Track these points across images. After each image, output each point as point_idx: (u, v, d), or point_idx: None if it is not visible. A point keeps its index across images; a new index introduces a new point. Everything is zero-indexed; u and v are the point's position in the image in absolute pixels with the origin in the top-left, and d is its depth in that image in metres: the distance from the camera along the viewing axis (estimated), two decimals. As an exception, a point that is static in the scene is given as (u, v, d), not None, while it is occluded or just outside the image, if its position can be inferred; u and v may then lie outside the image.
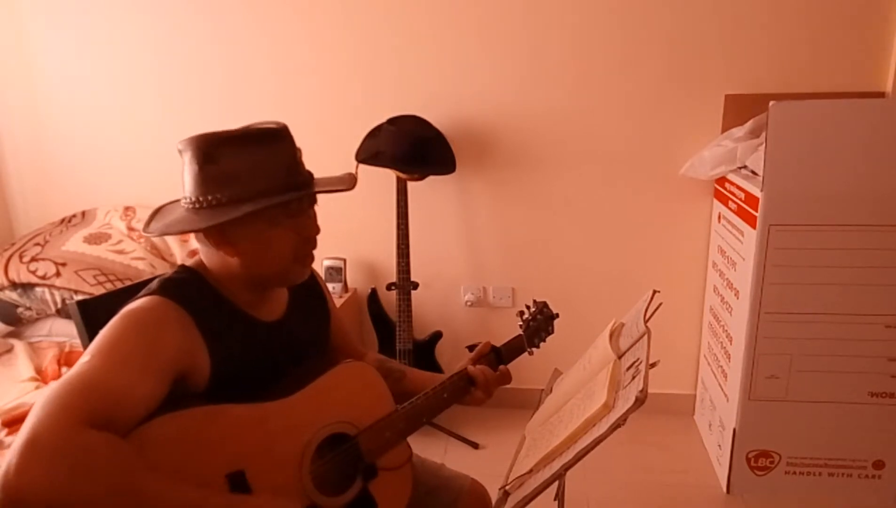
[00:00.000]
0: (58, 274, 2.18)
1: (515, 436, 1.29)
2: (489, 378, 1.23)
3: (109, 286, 2.16)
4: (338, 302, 2.39)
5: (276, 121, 1.05)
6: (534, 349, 1.35)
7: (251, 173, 0.98)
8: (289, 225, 1.02)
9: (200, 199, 0.98)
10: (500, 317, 2.54)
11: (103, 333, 0.92)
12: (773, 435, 2.02)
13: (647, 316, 1.20)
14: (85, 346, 1.16)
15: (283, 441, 1.01)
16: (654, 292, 1.24)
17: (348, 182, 1.09)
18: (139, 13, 2.39)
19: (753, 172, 1.98)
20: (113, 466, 0.78)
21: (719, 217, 2.23)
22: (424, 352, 2.45)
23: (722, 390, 2.16)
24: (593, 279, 2.45)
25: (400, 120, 2.26)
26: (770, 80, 2.18)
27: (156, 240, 2.39)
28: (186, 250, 2.42)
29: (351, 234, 2.47)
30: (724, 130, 2.20)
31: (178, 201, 1.08)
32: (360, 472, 1.09)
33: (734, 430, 2.03)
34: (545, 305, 1.38)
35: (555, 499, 1.14)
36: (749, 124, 2.08)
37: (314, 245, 1.09)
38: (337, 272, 2.46)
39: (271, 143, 1.01)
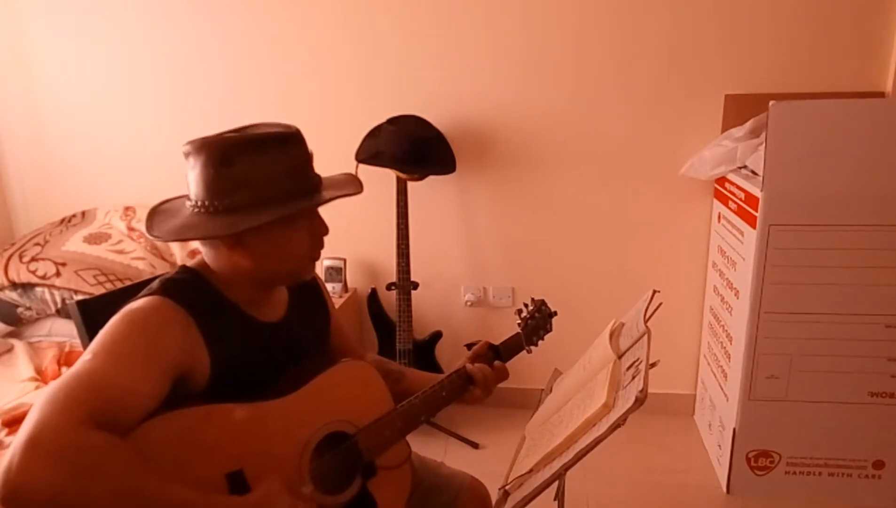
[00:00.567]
0: (58, 274, 2.18)
1: (515, 436, 1.29)
2: (488, 376, 1.24)
3: (109, 286, 2.17)
4: (338, 302, 2.39)
5: (287, 124, 1.05)
6: (532, 348, 1.35)
7: (267, 178, 0.98)
8: (302, 226, 1.04)
9: (215, 202, 0.98)
10: (500, 317, 2.54)
11: (104, 332, 0.92)
12: (773, 435, 2.01)
13: (647, 316, 1.20)
14: (85, 346, 1.16)
15: (282, 440, 1.01)
16: (654, 292, 1.24)
17: (356, 186, 1.11)
18: (139, 13, 2.39)
19: (753, 172, 1.98)
20: (113, 466, 0.79)
21: (719, 217, 2.23)
22: (424, 352, 2.45)
23: (722, 390, 2.16)
24: (593, 279, 2.45)
25: (400, 120, 2.26)
26: (770, 80, 2.18)
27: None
28: (186, 250, 2.42)
29: (351, 234, 2.47)
30: (724, 130, 2.20)
31: (175, 200, 1.08)
32: (360, 471, 1.09)
33: (734, 430, 2.03)
34: (543, 303, 1.38)
35: (555, 499, 1.14)
36: (749, 124, 2.08)
37: (323, 244, 1.11)
38: (337, 272, 2.46)
39: (286, 147, 1.01)
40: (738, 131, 2.10)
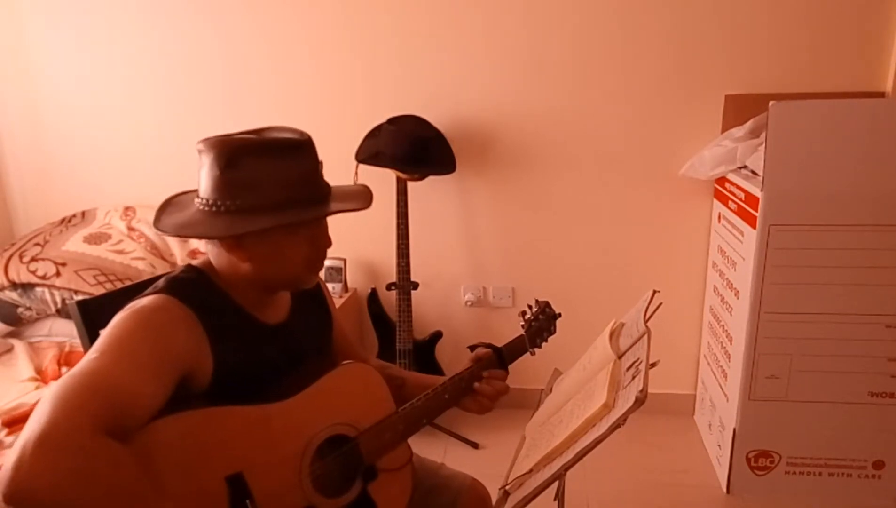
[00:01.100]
0: (58, 274, 2.18)
1: (515, 436, 1.29)
2: (500, 391, 1.23)
3: (109, 286, 2.16)
4: (338, 302, 2.39)
5: (300, 130, 1.05)
6: (535, 350, 1.34)
7: (272, 183, 0.98)
8: (304, 235, 1.03)
9: (219, 202, 0.98)
10: (500, 317, 2.54)
11: (110, 329, 0.92)
12: (773, 435, 2.02)
13: (647, 316, 1.20)
14: (85, 346, 1.16)
15: (283, 443, 1.01)
16: (654, 292, 1.24)
17: (365, 200, 1.09)
18: (139, 13, 2.39)
19: (753, 172, 1.98)
20: (115, 476, 0.79)
21: (719, 217, 2.23)
22: (424, 352, 2.45)
23: (722, 390, 2.16)
24: (593, 279, 2.45)
25: (400, 120, 2.26)
26: (770, 80, 2.18)
27: (155, 239, 2.39)
28: (186, 249, 2.42)
29: (351, 234, 2.47)
30: (724, 130, 2.20)
31: (189, 193, 1.08)
32: (360, 474, 1.09)
33: (734, 430, 2.03)
34: (547, 304, 1.37)
35: (555, 499, 1.14)
36: (749, 124, 2.08)
37: (325, 255, 1.10)
38: (337, 272, 2.46)
39: (294, 154, 1.01)
40: (738, 131, 2.10)
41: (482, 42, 2.27)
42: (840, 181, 1.79)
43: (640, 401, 0.93)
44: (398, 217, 2.29)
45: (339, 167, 2.08)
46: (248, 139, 1.00)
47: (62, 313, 2.22)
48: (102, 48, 2.44)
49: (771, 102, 1.76)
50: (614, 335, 1.27)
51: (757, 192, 1.84)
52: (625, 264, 2.42)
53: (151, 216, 2.66)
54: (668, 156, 2.29)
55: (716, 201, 2.28)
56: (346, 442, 1.09)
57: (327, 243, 1.09)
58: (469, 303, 2.54)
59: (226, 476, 0.93)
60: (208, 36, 2.38)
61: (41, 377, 2.01)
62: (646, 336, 1.13)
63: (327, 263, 2.45)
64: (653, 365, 1.07)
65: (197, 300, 0.99)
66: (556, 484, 1.02)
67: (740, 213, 1.99)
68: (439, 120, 2.32)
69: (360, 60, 2.34)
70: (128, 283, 2.08)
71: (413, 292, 2.40)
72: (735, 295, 2.03)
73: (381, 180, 2.29)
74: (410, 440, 1.18)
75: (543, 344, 1.36)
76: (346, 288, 2.49)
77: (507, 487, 1.07)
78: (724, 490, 2.10)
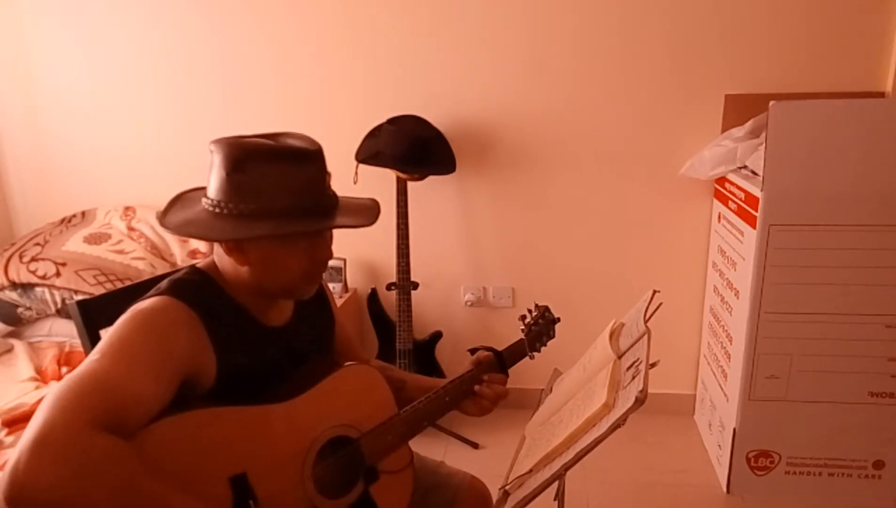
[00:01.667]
0: (58, 274, 2.18)
1: (515, 436, 1.29)
2: (500, 395, 1.24)
3: (109, 286, 2.16)
4: (338, 302, 2.38)
5: (311, 139, 1.05)
6: (535, 354, 1.35)
7: (276, 191, 0.98)
8: (304, 246, 1.02)
9: (223, 204, 0.98)
10: (500, 317, 2.54)
11: (113, 331, 0.92)
12: (773, 435, 2.02)
13: (647, 316, 1.20)
14: (85, 346, 1.16)
15: (285, 444, 1.01)
16: (654, 292, 1.24)
17: (370, 216, 1.08)
18: (139, 13, 2.39)
19: (753, 172, 1.98)
20: (117, 472, 0.79)
21: (719, 217, 2.23)
22: (424, 352, 2.45)
23: (722, 390, 2.16)
24: (593, 279, 2.45)
25: (400, 120, 2.26)
26: (770, 80, 2.18)
27: (155, 239, 2.39)
28: (186, 249, 2.42)
29: (351, 234, 2.47)
30: (724, 130, 2.20)
31: (201, 189, 1.08)
32: (362, 475, 1.09)
33: (734, 430, 2.03)
34: (547, 309, 1.38)
35: (555, 499, 1.14)
36: (749, 124, 2.08)
37: (325, 268, 1.09)
38: (337, 272, 2.46)
39: (302, 163, 1.00)
40: (738, 131, 2.10)
41: (482, 42, 2.27)
42: (840, 181, 1.79)
43: (640, 401, 0.93)
44: (398, 217, 2.29)
45: (339, 167, 2.08)
46: (257, 143, 0.99)
47: (62, 313, 2.22)
48: (102, 48, 2.44)
49: (771, 102, 1.76)
50: (614, 335, 1.27)
51: (757, 192, 1.84)
52: (625, 264, 2.42)
53: (152, 216, 2.67)
54: (668, 156, 2.29)
55: (716, 201, 2.28)
56: (349, 444, 1.09)
57: (328, 255, 1.08)
58: (469, 303, 2.54)
59: (229, 476, 0.93)
60: (208, 36, 2.38)
61: (41, 377, 2.01)
62: (646, 336, 1.13)
63: (327, 263, 2.45)
64: (653, 365, 1.07)
65: (200, 302, 0.99)
66: (556, 484, 1.02)
67: (740, 213, 1.99)
68: (439, 120, 2.32)
69: (360, 60, 2.34)
70: (128, 283, 2.08)
71: (413, 292, 2.40)
72: (735, 295, 2.03)
73: (381, 180, 2.29)
74: (411, 441, 1.18)
75: (543, 348, 1.37)
76: (346, 288, 2.49)
77: (507, 487, 1.07)
78: (724, 490, 2.10)
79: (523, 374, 2.03)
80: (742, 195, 1.98)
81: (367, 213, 1.09)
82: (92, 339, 1.15)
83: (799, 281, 1.87)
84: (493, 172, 2.39)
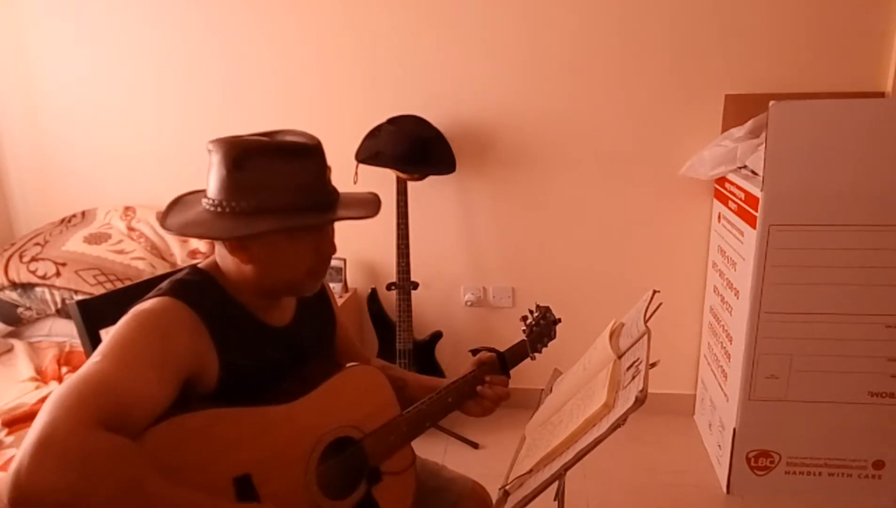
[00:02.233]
0: (58, 274, 2.18)
1: (515, 436, 1.29)
2: (502, 396, 1.24)
3: (109, 286, 2.16)
4: (338, 302, 2.38)
5: (310, 134, 1.04)
6: (536, 355, 1.35)
7: (278, 187, 0.98)
8: (307, 241, 1.03)
9: (224, 203, 0.98)
10: (500, 317, 2.54)
11: (114, 333, 0.92)
12: (773, 435, 2.02)
13: (647, 316, 1.20)
14: (85, 346, 1.16)
15: (289, 445, 1.00)
16: (654, 292, 1.24)
17: (372, 208, 1.09)
18: (139, 13, 2.39)
19: (753, 172, 1.98)
20: (122, 470, 0.78)
21: (719, 217, 2.23)
22: (424, 352, 2.45)
23: (722, 390, 2.16)
24: (593, 279, 2.45)
25: (400, 120, 2.26)
26: (770, 80, 2.18)
27: (155, 239, 2.39)
28: (186, 249, 2.42)
29: (351, 234, 2.47)
30: (724, 130, 2.20)
31: (198, 193, 1.07)
32: (365, 476, 1.09)
33: (734, 430, 2.03)
34: (548, 310, 1.38)
35: (555, 499, 1.14)
36: (749, 124, 2.08)
37: (329, 263, 1.10)
38: (337, 272, 2.46)
39: (303, 158, 1.00)
40: (738, 131, 2.10)
41: (482, 42, 2.27)
42: (840, 181, 1.79)
43: (640, 401, 0.93)
44: (398, 217, 2.29)
45: (339, 167, 2.08)
46: (256, 141, 0.99)
47: (62, 313, 2.22)
48: (102, 48, 2.44)
49: (771, 102, 1.76)
50: (614, 335, 1.27)
51: (757, 192, 1.84)
52: (625, 264, 2.42)
53: (151, 216, 2.67)
54: (668, 156, 2.29)
55: (716, 201, 2.28)
56: (352, 444, 1.09)
57: (331, 250, 1.08)
58: (469, 303, 2.54)
59: (233, 477, 0.93)
60: (208, 36, 2.38)
61: (41, 377, 2.01)
62: (646, 336, 1.13)
63: (327, 263, 2.45)
64: (653, 365, 1.07)
65: (201, 303, 0.99)
66: (556, 484, 1.02)
67: (740, 213, 1.99)
68: (439, 120, 2.32)
69: (360, 60, 2.34)
70: (128, 283, 2.08)
71: (413, 292, 2.40)
72: (735, 295, 2.03)
73: (381, 180, 2.29)
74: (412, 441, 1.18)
75: (544, 349, 1.37)
76: (346, 288, 2.49)
77: (507, 487, 1.07)
78: (724, 490, 2.10)
79: (523, 374, 2.02)
80: (742, 195, 1.98)
81: (368, 205, 1.09)
82: (92, 339, 1.15)
83: (799, 281, 1.87)
84: (493, 172, 2.39)
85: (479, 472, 1.39)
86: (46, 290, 2.19)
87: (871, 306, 1.87)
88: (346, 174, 2.26)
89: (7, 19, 2.47)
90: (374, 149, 2.25)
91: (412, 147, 2.20)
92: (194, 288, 1.01)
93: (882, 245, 1.82)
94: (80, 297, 1.56)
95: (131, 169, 2.55)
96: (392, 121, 2.25)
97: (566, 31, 2.23)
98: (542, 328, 1.36)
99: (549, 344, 1.38)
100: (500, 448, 2.31)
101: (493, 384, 1.24)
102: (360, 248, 2.53)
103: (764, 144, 1.80)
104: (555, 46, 2.25)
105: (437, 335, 2.48)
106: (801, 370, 1.94)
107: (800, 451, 2.02)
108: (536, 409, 1.35)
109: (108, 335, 0.92)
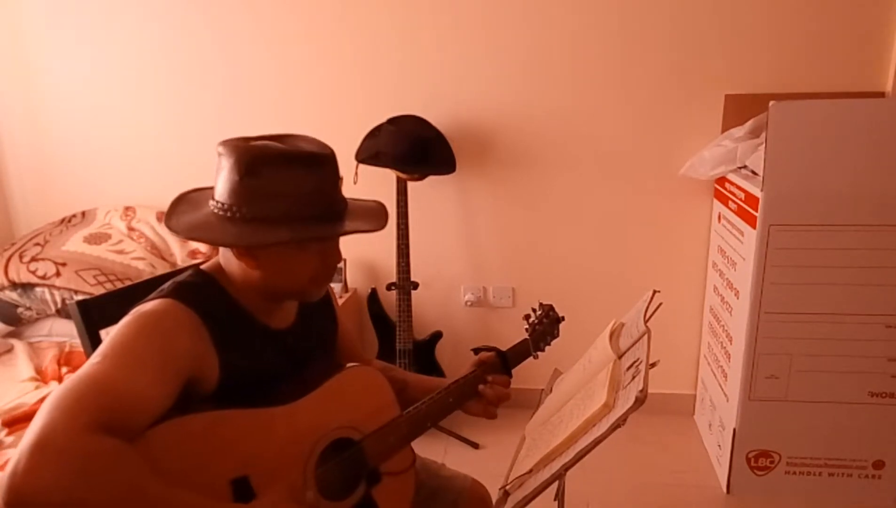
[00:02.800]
0: (58, 274, 2.18)
1: (515, 436, 1.29)
2: (503, 396, 1.23)
3: (109, 286, 2.16)
4: (338, 302, 2.39)
5: (323, 143, 1.04)
6: (539, 353, 1.34)
7: (290, 195, 0.97)
8: (315, 250, 1.03)
9: (234, 208, 0.97)
10: (500, 317, 2.54)
11: (114, 334, 0.91)
12: (773, 435, 2.02)
13: (647, 316, 1.20)
14: (85, 346, 1.16)
15: (288, 446, 1.00)
16: (654, 292, 1.24)
17: (380, 220, 1.09)
18: (139, 13, 2.39)
19: (753, 172, 1.98)
20: (119, 471, 0.78)
21: (719, 217, 2.23)
22: (424, 352, 2.45)
23: (722, 390, 2.16)
24: (593, 279, 2.45)
25: (400, 120, 2.26)
26: (770, 80, 2.18)
27: (155, 239, 2.39)
28: (186, 250, 2.42)
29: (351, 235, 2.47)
30: (724, 130, 2.20)
31: (204, 191, 1.07)
32: (364, 477, 1.09)
33: (734, 430, 2.03)
34: (551, 308, 1.37)
35: (555, 499, 1.14)
36: (749, 124, 2.08)
37: (334, 271, 1.09)
38: (337, 272, 2.46)
39: (316, 168, 1.00)
40: (738, 131, 2.10)
41: (482, 42, 2.27)
42: (840, 181, 1.79)
43: (640, 401, 0.93)
44: (398, 217, 2.29)
45: (339, 167, 2.08)
46: (270, 148, 0.98)
47: (62, 313, 2.22)
48: (102, 48, 2.45)
49: (771, 102, 1.76)
50: (614, 335, 1.27)
51: (757, 192, 1.84)
52: (625, 264, 2.42)
53: (152, 216, 2.66)
54: (668, 156, 2.29)
55: (716, 201, 2.28)
56: (351, 445, 1.09)
57: (337, 259, 1.08)
58: (469, 303, 2.54)
59: (231, 479, 0.93)
60: (208, 36, 2.38)
61: (41, 377, 2.01)
62: (646, 336, 1.13)
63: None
64: (653, 365, 1.07)
65: (203, 305, 0.98)
66: (556, 484, 1.02)
67: (740, 213, 1.99)
68: (439, 120, 2.32)
69: (360, 60, 2.34)
70: (128, 283, 2.08)
71: (413, 292, 2.40)
72: (735, 295, 2.03)
73: (381, 180, 2.29)
74: (412, 441, 1.18)
75: (546, 348, 1.36)
76: (346, 288, 2.49)
77: (507, 487, 1.07)
78: (724, 490, 2.10)
79: (524, 374, 2.02)
80: (742, 195, 1.98)
81: (377, 217, 1.10)
82: (92, 339, 1.15)
83: (799, 281, 1.87)
84: (493, 172, 2.39)
85: (479, 472, 1.39)
86: (46, 290, 2.19)
87: (871, 306, 1.87)
88: (347, 174, 2.25)
89: (7, 20, 2.47)
90: (375, 149, 2.25)
91: (412, 147, 2.20)
92: (196, 290, 1.01)
93: (882, 245, 1.82)
94: (80, 297, 1.56)
95: (131, 169, 2.55)
96: (392, 121, 2.25)
97: (566, 31, 2.23)
98: (545, 326, 1.35)
99: (553, 342, 1.37)
100: (500, 448, 2.31)
101: (494, 383, 1.24)
102: (360, 248, 2.53)
103: (764, 144, 1.80)
104: (555, 46, 2.25)
105: (437, 335, 2.48)
106: (801, 370, 1.94)
107: (800, 451, 2.02)
108: (536, 409, 1.35)
109: (108, 335, 0.92)
